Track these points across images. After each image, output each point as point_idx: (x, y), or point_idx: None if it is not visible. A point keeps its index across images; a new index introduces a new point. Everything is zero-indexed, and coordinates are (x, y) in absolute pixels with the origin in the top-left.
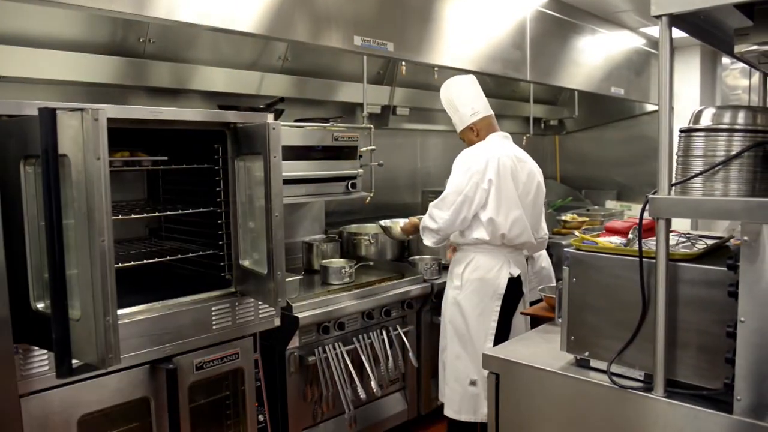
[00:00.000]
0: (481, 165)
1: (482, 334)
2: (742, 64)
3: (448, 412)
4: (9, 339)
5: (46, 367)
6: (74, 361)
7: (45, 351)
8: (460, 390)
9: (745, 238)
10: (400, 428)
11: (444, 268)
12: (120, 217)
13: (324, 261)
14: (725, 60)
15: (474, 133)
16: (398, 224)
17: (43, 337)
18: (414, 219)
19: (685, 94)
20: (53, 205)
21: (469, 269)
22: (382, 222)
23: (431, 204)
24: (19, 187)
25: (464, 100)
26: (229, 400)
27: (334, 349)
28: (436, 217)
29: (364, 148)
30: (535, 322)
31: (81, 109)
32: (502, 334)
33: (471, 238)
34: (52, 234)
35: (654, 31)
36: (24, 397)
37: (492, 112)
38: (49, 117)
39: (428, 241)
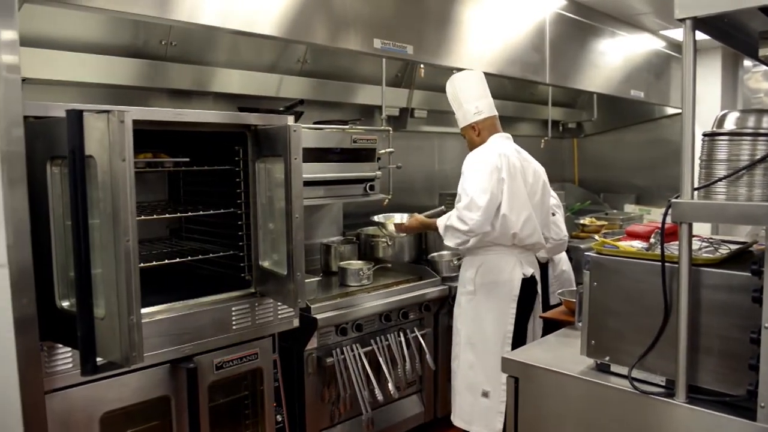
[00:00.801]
0: (497, 163)
1: (499, 340)
2: (764, 67)
3: (458, 422)
4: (35, 336)
5: (70, 365)
6: (98, 359)
7: (69, 349)
8: (471, 400)
9: None
10: (417, 431)
11: None
12: (142, 217)
13: (342, 263)
14: (747, 62)
15: (475, 132)
16: (392, 220)
17: (67, 335)
18: (419, 217)
19: (706, 97)
20: (80, 206)
21: (482, 272)
22: (376, 217)
23: (459, 206)
24: (45, 188)
25: (469, 98)
26: (247, 400)
27: (352, 350)
28: (467, 218)
29: (383, 151)
30: (553, 326)
31: (107, 111)
32: (519, 338)
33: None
34: (79, 234)
35: (674, 33)
36: (48, 393)
37: (496, 113)
38: (76, 119)
39: (453, 242)
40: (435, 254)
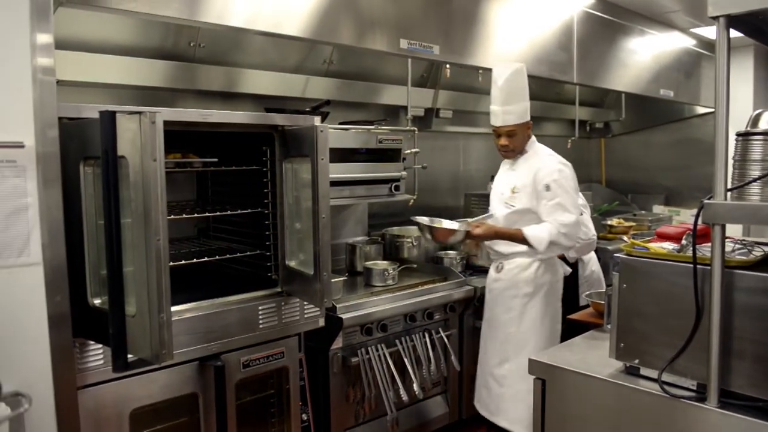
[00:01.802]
0: (572, 174)
1: (555, 339)
2: None
3: (520, 430)
4: (69, 333)
5: (101, 361)
6: (129, 356)
7: (100, 345)
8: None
9: None
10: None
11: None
12: (171, 216)
13: (367, 263)
14: None
15: (528, 132)
16: (442, 223)
17: (99, 332)
18: (494, 226)
19: (738, 96)
20: (112, 205)
21: (540, 272)
22: (422, 219)
23: (563, 221)
24: (79, 187)
25: (528, 94)
26: (273, 399)
27: (377, 350)
28: (574, 236)
29: (408, 151)
30: (580, 328)
31: (139, 113)
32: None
33: None
34: (111, 233)
35: (705, 31)
36: (80, 389)
37: None
38: (109, 120)
39: (548, 253)
40: (440, 253)
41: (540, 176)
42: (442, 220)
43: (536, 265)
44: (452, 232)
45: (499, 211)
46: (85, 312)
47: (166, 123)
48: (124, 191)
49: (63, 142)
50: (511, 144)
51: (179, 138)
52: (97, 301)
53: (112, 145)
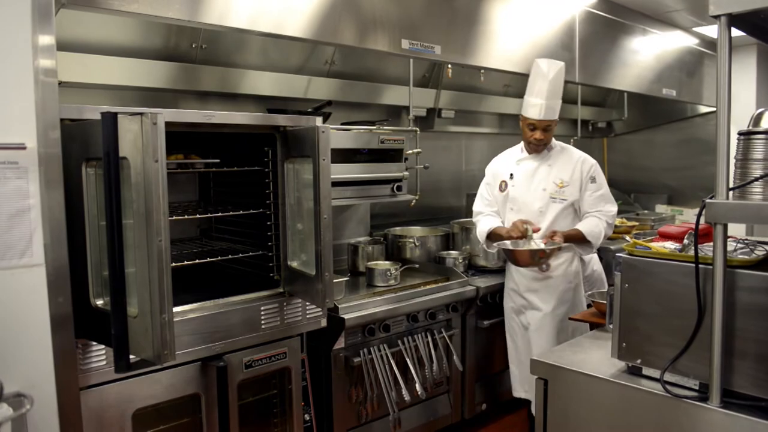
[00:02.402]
0: None
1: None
2: None
3: None
4: (71, 334)
5: (104, 362)
6: (131, 357)
7: (103, 346)
8: None
9: None
10: None
11: None
12: (174, 217)
13: (369, 263)
14: None
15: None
16: (534, 241)
17: (101, 333)
18: (561, 231)
19: (741, 95)
20: (114, 206)
21: (577, 263)
22: (505, 243)
23: (610, 214)
24: (81, 188)
25: None
26: (276, 399)
27: (379, 350)
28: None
29: (410, 151)
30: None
31: (140, 114)
32: None
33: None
34: (113, 233)
35: (707, 30)
36: (83, 390)
37: None
38: (111, 121)
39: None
40: (443, 253)
41: (585, 168)
42: (519, 241)
43: (576, 258)
44: (540, 252)
45: (544, 206)
46: (88, 313)
47: (167, 124)
48: (125, 192)
49: (65, 143)
50: (545, 138)
51: (182, 139)
52: (99, 302)
53: (113, 146)
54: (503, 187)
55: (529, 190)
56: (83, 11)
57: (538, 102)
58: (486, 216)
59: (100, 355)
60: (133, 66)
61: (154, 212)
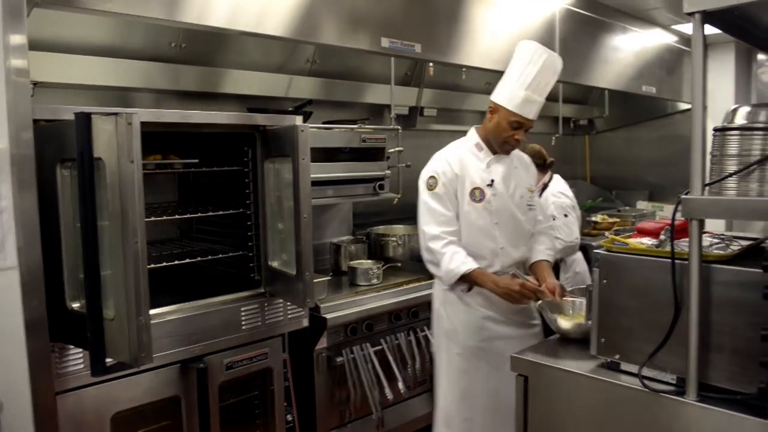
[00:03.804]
0: None
1: None
2: None
3: None
4: (46, 338)
5: (81, 366)
6: (108, 360)
7: (80, 350)
8: None
9: None
10: (427, 430)
11: None
12: (152, 218)
13: (352, 262)
14: (761, 56)
15: None
16: (555, 299)
17: (78, 336)
18: (546, 263)
19: (719, 92)
20: (89, 208)
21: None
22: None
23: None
24: (55, 190)
25: None
26: (258, 400)
27: (362, 350)
28: None
29: (392, 150)
30: None
31: (115, 114)
32: None
33: None
34: (88, 235)
35: (686, 28)
36: (60, 394)
37: None
38: (84, 121)
39: None
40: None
41: (533, 171)
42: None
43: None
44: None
45: (527, 219)
46: (64, 316)
47: (145, 124)
48: (101, 193)
49: (39, 144)
50: (523, 140)
51: (161, 140)
52: (75, 305)
53: (87, 146)
54: (477, 196)
55: (512, 200)
56: (59, 11)
57: (530, 96)
58: (450, 245)
59: (77, 358)
60: (112, 66)
61: (130, 213)
